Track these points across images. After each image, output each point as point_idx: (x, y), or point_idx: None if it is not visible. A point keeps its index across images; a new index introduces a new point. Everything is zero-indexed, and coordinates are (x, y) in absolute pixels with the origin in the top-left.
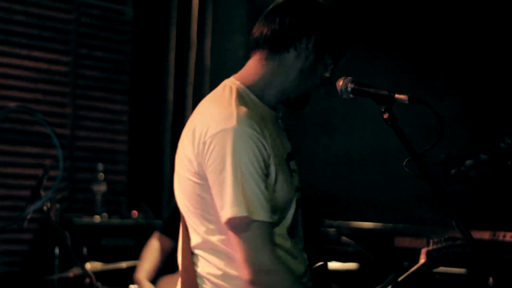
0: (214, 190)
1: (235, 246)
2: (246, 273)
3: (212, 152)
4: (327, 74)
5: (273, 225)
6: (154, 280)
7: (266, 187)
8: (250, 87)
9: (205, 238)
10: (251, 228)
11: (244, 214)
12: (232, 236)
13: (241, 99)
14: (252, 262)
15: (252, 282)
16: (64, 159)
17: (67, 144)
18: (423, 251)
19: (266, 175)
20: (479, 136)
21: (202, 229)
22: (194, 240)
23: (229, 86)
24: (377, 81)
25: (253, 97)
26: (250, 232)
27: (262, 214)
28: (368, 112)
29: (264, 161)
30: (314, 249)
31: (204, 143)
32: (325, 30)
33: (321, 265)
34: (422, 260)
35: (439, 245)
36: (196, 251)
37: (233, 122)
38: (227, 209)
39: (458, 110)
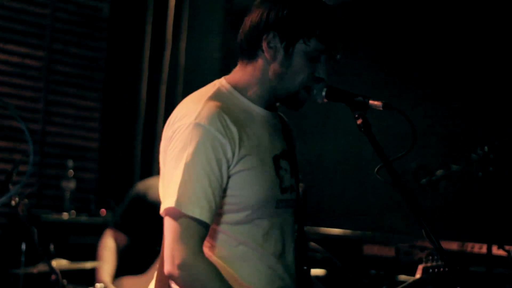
0: (162, 178)
1: (165, 236)
2: (166, 265)
3: (172, 144)
4: (319, 74)
5: (203, 223)
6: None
7: (213, 185)
8: (236, 87)
9: None
10: (177, 219)
11: (176, 207)
12: (164, 225)
13: (217, 96)
14: (169, 254)
15: (168, 274)
16: (34, 154)
17: (37, 140)
18: (420, 267)
19: (218, 174)
20: (451, 146)
21: None
22: None
23: (213, 84)
24: (351, 88)
25: (238, 96)
26: (174, 223)
27: (190, 208)
28: (342, 118)
29: (217, 159)
30: (302, 253)
31: (170, 136)
32: (282, 22)
33: (305, 270)
34: (417, 275)
35: (438, 262)
36: None
37: (193, 117)
38: (164, 200)
39: (431, 119)
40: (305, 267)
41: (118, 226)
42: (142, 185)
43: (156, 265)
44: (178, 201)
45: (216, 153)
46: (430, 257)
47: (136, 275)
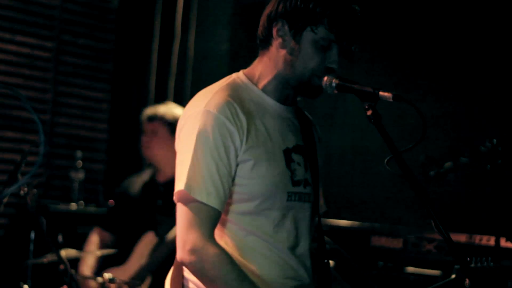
0: (177, 166)
1: (177, 221)
2: (178, 251)
3: (183, 132)
4: (330, 64)
5: (212, 209)
6: (97, 272)
7: (222, 172)
8: (252, 78)
9: None
10: (187, 204)
11: (185, 190)
12: (177, 212)
13: (230, 87)
14: (180, 240)
15: (180, 258)
16: (44, 145)
17: (46, 130)
18: (454, 267)
19: (227, 161)
20: (460, 138)
21: None
22: None
23: (229, 76)
24: (359, 80)
25: (252, 87)
26: (185, 208)
27: (199, 194)
28: (350, 109)
29: (226, 146)
30: (322, 246)
31: (182, 125)
32: (290, 10)
33: (325, 263)
34: (453, 275)
35: (477, 265)
36: None
37: (203, 105)
38: (175, 183)
39: (439, 111)
40: (325, 260)
41: (103, 225)
42: (125, 182)
43: (132, 258)
44: (188, 184)
45: (225, 140)
46: (473, 259)
47: (117, 266)
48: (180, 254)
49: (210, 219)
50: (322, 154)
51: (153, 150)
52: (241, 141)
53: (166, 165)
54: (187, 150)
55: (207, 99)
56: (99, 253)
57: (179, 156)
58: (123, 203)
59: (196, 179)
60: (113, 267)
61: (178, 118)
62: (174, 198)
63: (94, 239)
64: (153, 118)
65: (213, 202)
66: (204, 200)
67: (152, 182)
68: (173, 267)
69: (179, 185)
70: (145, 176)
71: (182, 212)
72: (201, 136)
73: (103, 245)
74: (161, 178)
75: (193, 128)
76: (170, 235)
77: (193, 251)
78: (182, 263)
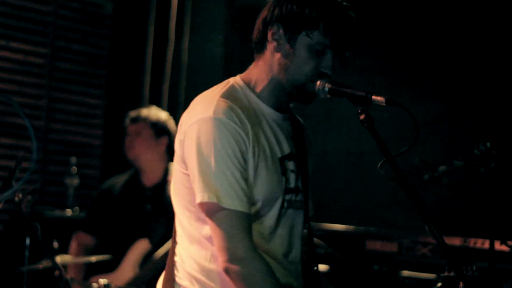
0: (191, 177)
1: (211, 232)
2: (220, 261)
3: (189, 140)
4: (324, 69)
5: (247, 214)
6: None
7: (243, 177)
8: (249, 83)
9: (187, 230)
10: (221, 215)
11: (213, 200)
12: (208, 222)
13: (230, 92)
14: (225, 250)
15: (224, 269)
16: (37, 151)
17: (41, 137)
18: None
19: (244, 166)
20: (453, 142)
21: (185, 221)
22: (179, 231)
23: (227, 81)
24: (353, 84)
25: (249, 93)
26: (220, 219)
27: (231, 202)
28: (345, 114)
29: (241, 151)
30: (312, 253)
31: (185, 132)
32: (286, 14)
33: (315, 270)
34: (439, 284)
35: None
36: (179, 243)
37: (210, 111)
38: (198, 194)
39: (433, 115)
40: (315, 268)
41: (84, 228)
42: (106, 183)
43: (124, 264)
44: (216, 195)
45: (239, 145)
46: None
47: (107, 273)
48: (226, 263)
49: (248, 225)
50: (312, 158)
51: (137, 151)
52: (248, 146)
53: (150, 167)
54: (204, 161)
55: (213, 106)
56: (94, 259)
57: (196, 167)
58: (105, 203)
59: (223, 188)
60: (102, 273)
61: (162, 120)
62: (202, 210)
63: (73, 245)
64: (137, 119)
65: (246, 207)
66: (239, 208)
67: (134, 182)
68: (165, 271)
69: (205, 196)
70: (125, 176)
71: (218, 223)
72: (218, 144)
73: (85, 249)
74: (147, 182)
75: (207, 137)
76: (159, 253)
77: (241, 260)
78: (226, 272)
